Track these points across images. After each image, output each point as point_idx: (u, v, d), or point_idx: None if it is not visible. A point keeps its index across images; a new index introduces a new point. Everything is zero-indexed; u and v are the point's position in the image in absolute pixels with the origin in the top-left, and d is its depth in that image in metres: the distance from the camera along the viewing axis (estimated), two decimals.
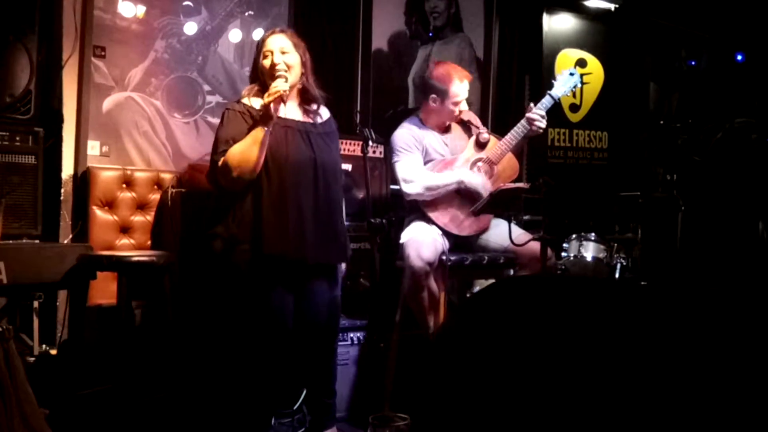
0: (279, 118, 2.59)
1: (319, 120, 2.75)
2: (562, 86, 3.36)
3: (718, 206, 5.29)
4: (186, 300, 3.17)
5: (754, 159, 4.99)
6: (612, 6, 5.20)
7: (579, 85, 3.38)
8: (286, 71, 2.60)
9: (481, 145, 3.27)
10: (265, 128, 2.51)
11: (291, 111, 2.70)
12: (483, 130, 3.30)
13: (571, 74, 3.36)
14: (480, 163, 3.25)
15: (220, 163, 2.54)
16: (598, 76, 5.25)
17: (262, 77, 2.67)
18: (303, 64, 2.69)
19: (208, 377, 3.00)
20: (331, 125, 2.80)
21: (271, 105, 2.50)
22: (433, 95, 3.27)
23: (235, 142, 2.55)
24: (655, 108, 5.68)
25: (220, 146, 2.58)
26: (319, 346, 2.75)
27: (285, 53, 2.64)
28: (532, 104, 3.30)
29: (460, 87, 3.23)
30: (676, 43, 5.57)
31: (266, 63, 2.64)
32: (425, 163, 3.26)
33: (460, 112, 3.30)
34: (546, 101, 3.30)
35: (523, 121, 3.24)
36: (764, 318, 0.90)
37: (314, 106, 2.74)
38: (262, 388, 2.64)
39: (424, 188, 3.16)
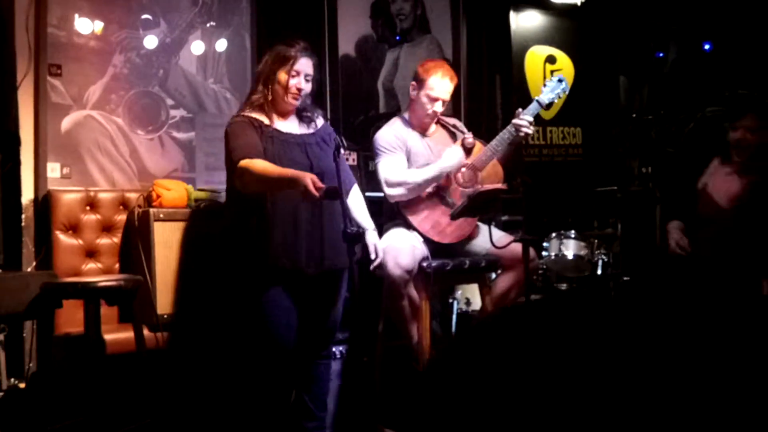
0: (277, 131, 2.66)
1: (314, 128, 2.79)
2: (550, 92, 3.29)
3: (693, 197, 5.29)
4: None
5: (726, 147, 5.00)
6: (578, 0, 5.19)
7: (566, 92, 3.32)
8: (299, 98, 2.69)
9: (466, 151, 3.19)
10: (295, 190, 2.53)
11: (289, 125, 2.75)
12: (468, 135, 3.21)
13: (560, 81, 3.31)
14: (464, 169, 3.17)
15: (242, 163, 2.53)
16: (568, 72, 5.22)
17: (273, 85, 2.68)
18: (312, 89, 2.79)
19: (184, 404, 2.90)
20: (327, 129, 2.84)
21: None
22: (413, 82, 3.22)
23: (255, 147, 2.56)
24: (626, 101, 5.68)
25: (240, 152, 2.56)
26: (318, 357, 2.78)
27: (308, 81, 2.70)
28: (520, 109, 3.22)
29: (438, 81, 3.13)
30: (644, 35, 5.58)
31: (293, 82, 2.67)
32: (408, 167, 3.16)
33: (434, 112, 3.20)
34: (533, 107, 3.23)
35: (509, 127, 3.16)
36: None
37: (309, 114, 2.79)
38: (260, 409, 2.63)
39: (407, 188, 3.07)
